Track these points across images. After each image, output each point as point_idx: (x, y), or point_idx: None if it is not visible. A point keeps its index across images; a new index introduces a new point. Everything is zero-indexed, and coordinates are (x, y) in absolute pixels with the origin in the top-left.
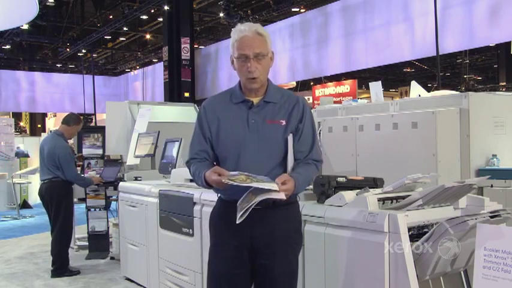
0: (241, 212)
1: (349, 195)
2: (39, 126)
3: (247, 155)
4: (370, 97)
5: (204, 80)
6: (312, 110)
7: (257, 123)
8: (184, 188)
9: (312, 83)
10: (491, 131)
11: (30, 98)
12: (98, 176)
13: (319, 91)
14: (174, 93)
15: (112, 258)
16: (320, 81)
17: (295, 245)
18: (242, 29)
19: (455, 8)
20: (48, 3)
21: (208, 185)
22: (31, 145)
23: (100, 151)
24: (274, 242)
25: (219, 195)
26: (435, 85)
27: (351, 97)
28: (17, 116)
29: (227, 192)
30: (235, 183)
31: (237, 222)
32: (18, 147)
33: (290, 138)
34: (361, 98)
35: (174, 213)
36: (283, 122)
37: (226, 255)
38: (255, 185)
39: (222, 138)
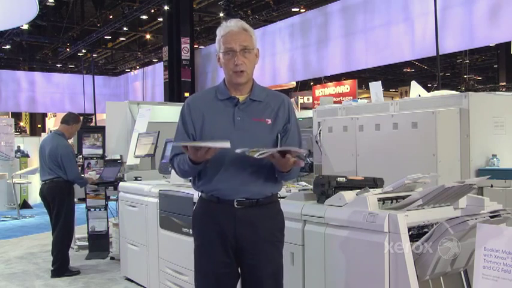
0: (260, 153)
1: (349, 195)
2: (39, 126)
3: (233, 152)
4: (370, 97)
5: (204, 80)
6: (312, 110)
7: (243, 121)
8: (184, 188)
9: (312, 83)
10: (491, 131)
11: (30, 98)
12: (98, 176)
13: (319, 91)
14: (174, 93)
15: (112, 258)
16: (320, 81)
17: (279, 243)
18: (228, 25)
19: (455, 8)
20: (48, 3)
21: (192, 162)
22: (31, 145)
23: (100, 151)
24: (258, 241)
25: (200, 194)
26: (435, 85)
27: (351, 97)
28: (17, 116)
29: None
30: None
31: (255, 156)
32: (18, 146)
33: (279, 138)
34: (361, 98)
35: (174, 213)
36: (269, 121)
37: (212, 255)
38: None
39: (206, 135)
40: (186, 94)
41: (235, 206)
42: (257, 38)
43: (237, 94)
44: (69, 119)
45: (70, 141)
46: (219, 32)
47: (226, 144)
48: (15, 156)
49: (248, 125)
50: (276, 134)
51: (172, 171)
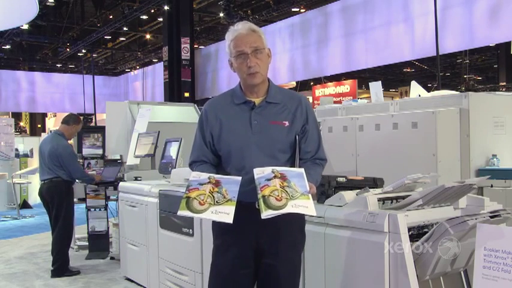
0: (269, 214)
1: (349, 195)
2: (39, 126)
3: (251, 156)
4: (370, 97)
5: (204, 80)
6: None
7: (260, 124)
8: (184, 188)
9: (312, 83)
10: (491, 131)
11: (30, 98)
12: (98, 175)
13: (319, 91)
14: (174, 93)
15: (112, 258)
16: (320, 81)
17: (300, 245)
18: (236, 28)
19: (455, 8)
20: (48, 3)
21: None
22: (31, 145)
23: (100, 151)
24: (279, 242)
25: None
26: (435, 85)
27: (351, 97)
28: (17, 116)
29: None
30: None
31: (263, 217)
32: (31, 149)
33: (297, 140)
34: (361, 98)
35: (174, 213)
36: (286, 123)
37: (231, 255)
38: (288, 210)
39: (224, 140)
40: (186, 94)
41: (257, 207)
42: None
43: (253, 97)
44: (69, 119)
45: (70, 141)
46: (228, 36)
47: (228, 220)
48: (29, 156)
49: (265, 128)
50: (294, 136)
51: (173, 171)
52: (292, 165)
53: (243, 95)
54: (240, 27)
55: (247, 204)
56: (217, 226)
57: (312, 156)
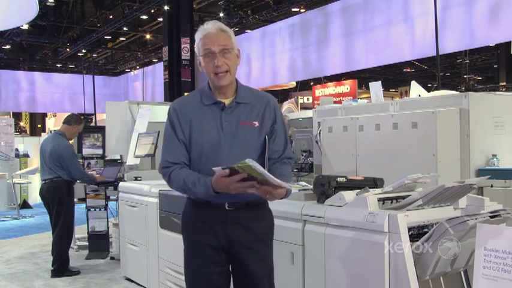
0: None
1: (349, 195)
2: (39, 126)
3: (222, 157)
4: (370, 97)
5: (204, 80)
6: (312, 110)
7: (231, 125)
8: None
9: (312, 83)
10: (491, 131)
11: (30, 98)
12: (99, 175)
13: (319, 91)
14: (174, 93)
15: (112, 258)
16: (320, 81)
17: (270, 242)
18: (205, 28)
19: (455, 8)
20: (48, 3)
21: (214, 192)
22: (31, 145)
23: (100, 151)
24: (251, 242)
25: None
26: (435, 85)
27: (351, 97)
28: (17, 116)
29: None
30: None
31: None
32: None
33: (267, 140)
34: (361, 98)
35: (174, 213)
36: (256, 124)
37: (203, 255)
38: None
39: (195, 140)
40: (186, 94)
41: (227, 208)
42: (257, 38)
43: (222, 98)
44: (71, 119)
45: (70, 141)
46: (197, 35)
47: (289, 186)
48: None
49: (236, 129)
50: (264, 136)
51: None
52: (262, 165)
53: (212, 96)
54: (210, 26)
55: (216, 205)
56: (187, 226)
57: (279, 156)
